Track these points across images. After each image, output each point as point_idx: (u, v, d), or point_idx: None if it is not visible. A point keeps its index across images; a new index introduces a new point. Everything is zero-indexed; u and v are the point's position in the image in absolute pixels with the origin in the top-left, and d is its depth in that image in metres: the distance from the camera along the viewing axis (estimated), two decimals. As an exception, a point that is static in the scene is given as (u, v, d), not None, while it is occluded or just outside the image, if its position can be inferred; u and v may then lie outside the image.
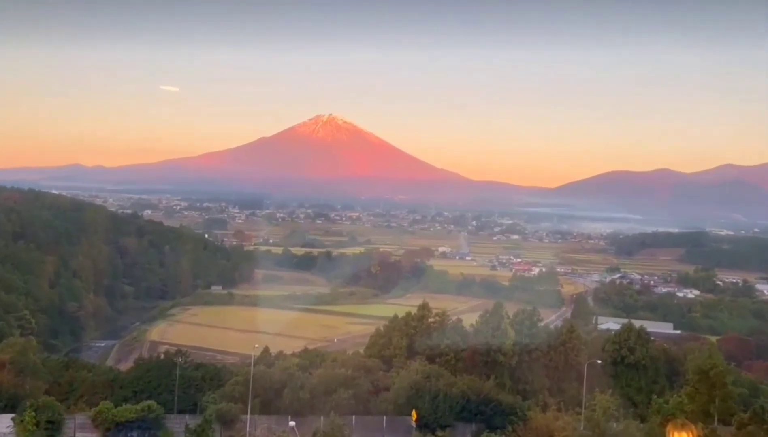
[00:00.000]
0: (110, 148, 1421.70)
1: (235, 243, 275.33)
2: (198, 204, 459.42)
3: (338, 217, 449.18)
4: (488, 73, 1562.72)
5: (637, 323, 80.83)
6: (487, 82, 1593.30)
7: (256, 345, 78.73)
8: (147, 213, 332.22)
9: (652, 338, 76.79)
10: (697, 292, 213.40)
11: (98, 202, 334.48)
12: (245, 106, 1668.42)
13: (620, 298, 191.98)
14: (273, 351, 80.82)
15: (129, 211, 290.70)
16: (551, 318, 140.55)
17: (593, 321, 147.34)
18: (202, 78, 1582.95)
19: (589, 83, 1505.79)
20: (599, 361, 64.17)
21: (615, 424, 43.56)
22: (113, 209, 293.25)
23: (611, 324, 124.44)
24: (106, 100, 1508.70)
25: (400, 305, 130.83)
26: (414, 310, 76.83)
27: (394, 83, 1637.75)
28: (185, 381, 63.96)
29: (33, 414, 46.32)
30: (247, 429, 50.14)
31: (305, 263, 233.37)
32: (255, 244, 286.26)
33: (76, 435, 49.23)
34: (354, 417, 52.50)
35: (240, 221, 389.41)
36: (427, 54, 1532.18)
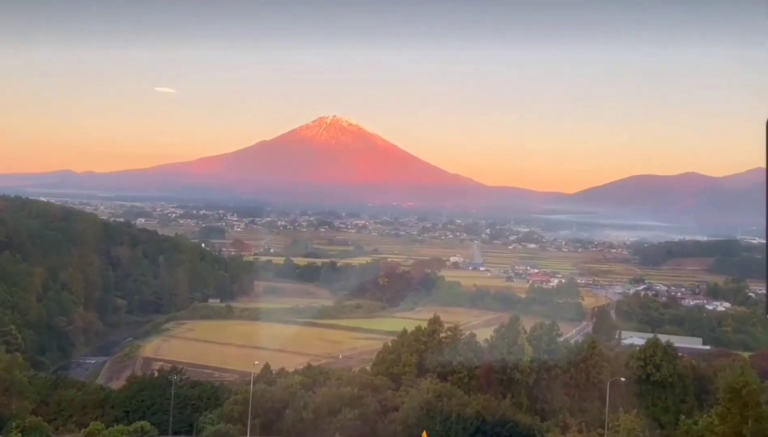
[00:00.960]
0: (102, 152, 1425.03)
1: (233, 253, 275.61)
2: (194, 211, 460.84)
3: (343, 225, 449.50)
4: (503, 74, 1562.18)
5: (663, 338, 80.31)
6: (501, 83, 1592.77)
7: (256, 362, 78.84)
8: (140, 221, 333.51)
9: (680, 354, 76.34)
10: (727, 305, 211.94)
11: (89, 209, 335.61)
12: (244, 107, 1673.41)
13: (645, 311, 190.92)
14: (274, 368, 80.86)
15: (121, 219, 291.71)
16: (571, 333, 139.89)
17: (616, 336, 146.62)
18: (198, 79, 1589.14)
19: (611, 83, 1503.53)
20: (623, 379, 63.81)
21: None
22: (105, 217, 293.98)
23: (636, 339, 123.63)
24: (98, 103, 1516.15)
25: (409, 319, 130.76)
26: (424, 324, 76.76)
27: (403, 83, 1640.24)
28: (181, 401, 64.05)
29: (19, 435, 46.47)
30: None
31: (308, 274, 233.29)
32: (255, 254, 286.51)
33: (65, 458, 49.36)
34: (360, 439, 52.36)
35: (239, 230, 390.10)
36: (438, 53, 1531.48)
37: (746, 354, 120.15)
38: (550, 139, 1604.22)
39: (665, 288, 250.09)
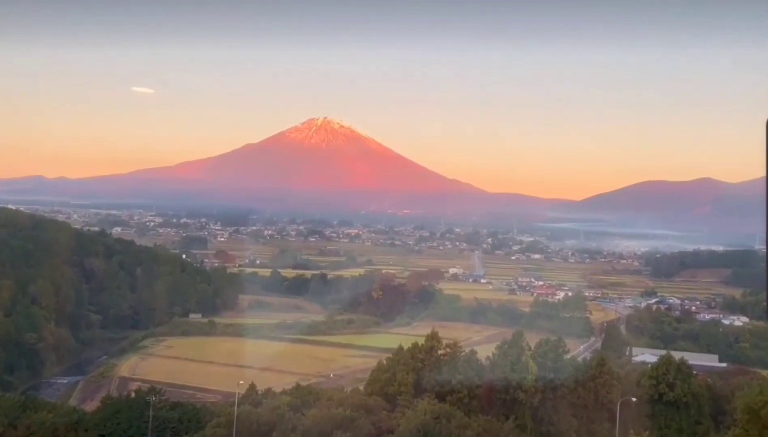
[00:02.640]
0: (75, 157, 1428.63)
1: (216, 264, 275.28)
2: (175, 220, 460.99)
3: (335, 235, 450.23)
4: (505, 75, 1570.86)
5: (676, 355, 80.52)
6: (503, 85, 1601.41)
7: (241, 382, 78.64)
8: (116, 230, 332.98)
9: (695, 372, 76.44)
10: (745, 319, 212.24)
11: (61, 218, 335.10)
12: (228, 108, 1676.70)
13: (657, 326, 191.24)
14: (260, 388, 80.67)
15: (96, 229, 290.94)
16: (579, 350, 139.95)
17: (627, 353, 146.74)
18: (179, 78, 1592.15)
19: (620, 85, 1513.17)
20: (634, 399, 63.86)
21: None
22: (78, 226, 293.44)
23: (647, 356, 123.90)
24: (71, 104, 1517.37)
25: (405, 335, 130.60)
26: (421, 341, 76.66)
27: (398, 83, 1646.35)
28: (159, 423, 63.82)
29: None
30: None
31: (297, 287, 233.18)
32: (240, 266, 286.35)
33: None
34: (353, 464, 52.22)
35: (222, 239, 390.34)
36: (437, 53, 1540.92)
37: (765, 372, 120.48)
38: (556, 142, 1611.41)
39: (679, 301, 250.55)
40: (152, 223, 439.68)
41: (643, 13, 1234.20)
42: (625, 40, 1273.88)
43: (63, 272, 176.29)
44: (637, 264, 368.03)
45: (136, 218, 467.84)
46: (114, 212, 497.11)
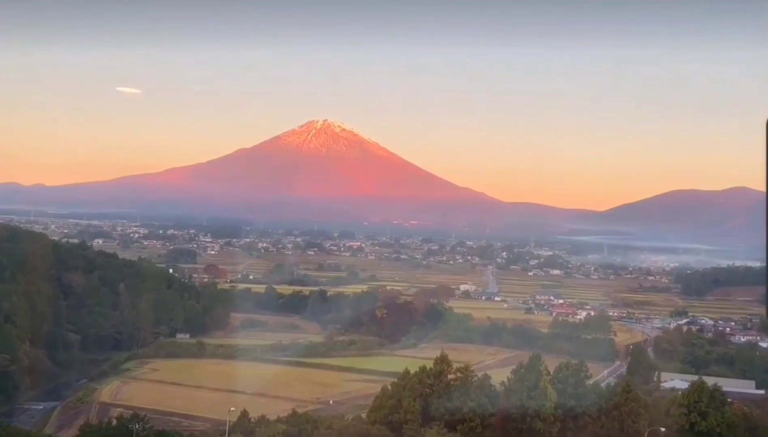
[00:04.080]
0: (53, 162, 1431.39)
1: (206, 280, 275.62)
2: (161, 231, 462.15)
3: (335, 248, 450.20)
4: (521, 75, 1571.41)
5: (709, 381, 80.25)
6: (518, 86, 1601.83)
7: (232, 409, 78.69)
8: (98, 242, 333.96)
9: (729, 399, 76.20)
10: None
11: (37, 228, 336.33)
12: (220, 110, 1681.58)
13: (688, 349, 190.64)
14: (253, 415, 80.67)
15: (75, 240, 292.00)
16: (602, 375, 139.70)
17: (655, 379, 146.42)
18: (167, 78, 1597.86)
19: (647, 87, 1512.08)
20: (663, 429, 63.72)
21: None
22: (56, 238, 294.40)
23: (677, 382, 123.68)
24: (49, 105, 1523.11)
25: (412, 357, 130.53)
26: (430, 364, 76.70)
27: (404, 84, 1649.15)
28: (143, 454, 63.74)
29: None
30: None
31: (294, 305, 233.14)
32: (231, 281, 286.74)
33: None
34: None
35: (213, 252, 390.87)
36: (447, 51, 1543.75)
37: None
38: (576, 148, 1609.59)
39: (712, 322, 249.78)
40: (137, 235, 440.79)
41: (672, 15, 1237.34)
42: (653, 41, 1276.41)
43: (39, 288, 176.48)
44: (666, 281, 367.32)
45: (119, 229, 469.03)
46: (95, 222, 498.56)
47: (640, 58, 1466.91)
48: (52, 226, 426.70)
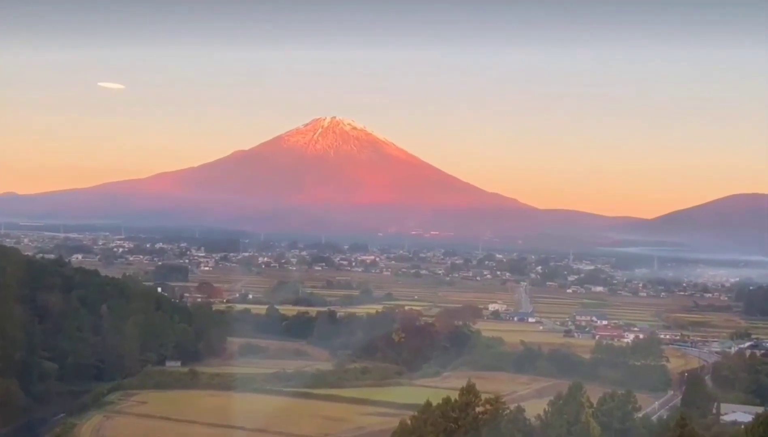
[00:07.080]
0: (27, 167, 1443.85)
1: (200, 300, 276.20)
2: (148, 245, 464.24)
3: (345, 262, 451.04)
4: (555, 69, 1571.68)
5: (777, 413, 79.59)
6: (552, 80, 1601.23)
7: (230, 446, 78.71)
8: (77, 258, 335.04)
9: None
10: None
11: (9, 242, 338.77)
12: (215, 108, 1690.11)
13: (752, 377, 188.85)
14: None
15: (52, 256, 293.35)
16: (653, 407, 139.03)
17: (714, 411, 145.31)
18: (154, 72, 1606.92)
19: (704, 81, 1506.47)
20: (724, 469, 63.20)
21: None
22: (30, 253, 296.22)
23: (740, 414, 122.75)
24: (22, 103, 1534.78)
25: (434, 388, 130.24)
26: (454, 395, 76.46)
27: (423, 78, 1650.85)
28: (129, 498, 63.97)
29: None
30: None
31: (299, 328, 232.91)
32: (228, 301, 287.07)
33: None
34: None
35: (207, 269, 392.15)
36: (473, 48, 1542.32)
37: None
38: (620, 149, 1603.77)
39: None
40: (121, 249, 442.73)
41: (738, 13, 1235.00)
42: (707, 39, 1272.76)
43: (10, 310, 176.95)
44: (726, 298, 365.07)
45: (101, 243, 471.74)
46: (74, 235, 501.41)
47: (695, 55, 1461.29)
48: (25, 240, 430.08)
